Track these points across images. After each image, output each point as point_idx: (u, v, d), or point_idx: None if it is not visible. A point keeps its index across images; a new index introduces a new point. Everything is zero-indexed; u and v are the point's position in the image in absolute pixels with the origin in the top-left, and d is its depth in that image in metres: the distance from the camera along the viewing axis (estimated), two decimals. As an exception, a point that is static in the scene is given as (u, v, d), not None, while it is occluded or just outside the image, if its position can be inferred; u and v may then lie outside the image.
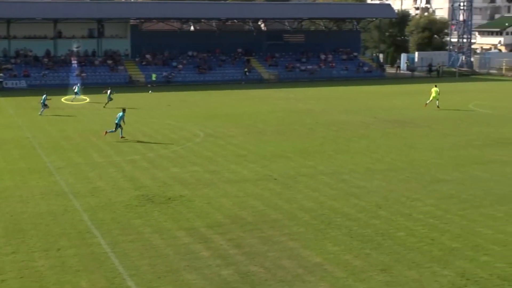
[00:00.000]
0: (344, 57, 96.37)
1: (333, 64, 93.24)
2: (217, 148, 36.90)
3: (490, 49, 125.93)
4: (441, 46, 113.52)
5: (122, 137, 39.28)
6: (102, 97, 57.93)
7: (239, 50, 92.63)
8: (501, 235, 20.94)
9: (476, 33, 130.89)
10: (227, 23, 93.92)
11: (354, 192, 26.87)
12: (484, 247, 19.76)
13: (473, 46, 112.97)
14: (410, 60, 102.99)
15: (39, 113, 50.33)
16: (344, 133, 42.59)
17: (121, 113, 39.49)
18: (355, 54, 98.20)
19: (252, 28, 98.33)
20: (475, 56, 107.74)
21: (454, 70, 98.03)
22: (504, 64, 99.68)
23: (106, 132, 39.85)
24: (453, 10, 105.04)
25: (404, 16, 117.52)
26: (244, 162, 33.08)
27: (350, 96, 67.16)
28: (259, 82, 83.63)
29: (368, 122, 47.35)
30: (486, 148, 37.03)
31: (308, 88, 76.53)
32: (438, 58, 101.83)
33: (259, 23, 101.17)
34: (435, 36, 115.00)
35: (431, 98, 55.82)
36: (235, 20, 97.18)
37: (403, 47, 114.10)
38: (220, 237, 20.82)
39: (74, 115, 50.90)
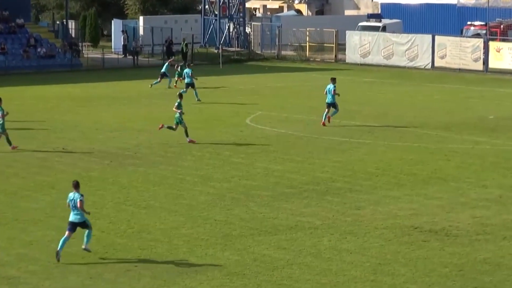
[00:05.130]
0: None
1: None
2: None
3: (280, 10, 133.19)
4: (188, 7, 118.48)
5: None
6: None
7: None
8: None
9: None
10: None
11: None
12: None
13: (248, 5, 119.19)
14: (129, 33, 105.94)
15: None
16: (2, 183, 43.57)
17: None
18: (21, 21, 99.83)
19: None
20: (254, 23, 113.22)
21: (215, 51, 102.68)
22: (308, 38, 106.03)
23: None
24: None
25: None
26: None
27: (6, 106, 67.79)
28: None
29: (52, 158, 48.61)
30: (277, 202, 39.48)
31: None
32: (184, 28, 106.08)
33: None
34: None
35: None
36: None
37: (115, 8, 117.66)
38: None
39: None
